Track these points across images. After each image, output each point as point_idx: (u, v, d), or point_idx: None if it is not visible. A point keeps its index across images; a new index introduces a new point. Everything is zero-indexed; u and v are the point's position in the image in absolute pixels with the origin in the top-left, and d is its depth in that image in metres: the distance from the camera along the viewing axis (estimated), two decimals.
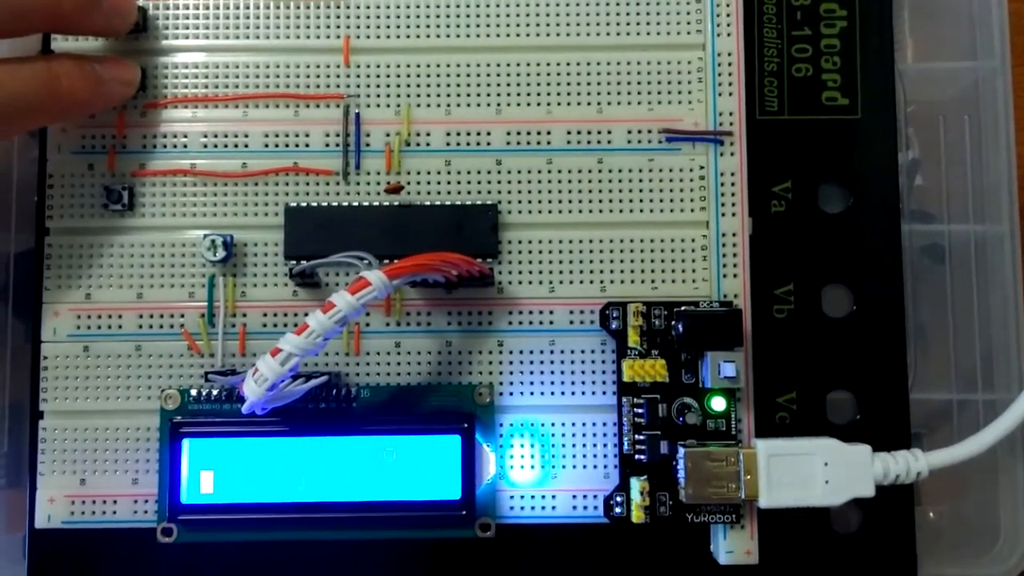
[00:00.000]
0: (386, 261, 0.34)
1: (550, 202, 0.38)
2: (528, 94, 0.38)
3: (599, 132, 0.38)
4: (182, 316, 0.37)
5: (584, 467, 0.37)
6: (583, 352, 0.37)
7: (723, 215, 0.38)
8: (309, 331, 0.32)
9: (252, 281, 0.37)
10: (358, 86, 0.38)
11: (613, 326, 0.37)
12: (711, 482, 0.35)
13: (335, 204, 0.37)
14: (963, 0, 0.40)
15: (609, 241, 0.38)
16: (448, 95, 0.38)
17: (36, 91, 0.34)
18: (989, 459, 0.38)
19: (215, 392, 0.36)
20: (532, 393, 0.37)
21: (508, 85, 0.38)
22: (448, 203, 0.37)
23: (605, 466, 0.37)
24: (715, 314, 0.36)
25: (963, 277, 0.39)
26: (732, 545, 0.36)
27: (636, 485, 0.36)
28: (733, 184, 0.38)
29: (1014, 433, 0.36)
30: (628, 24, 0.38)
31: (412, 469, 0.36)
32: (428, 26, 0.38)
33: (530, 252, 0.38)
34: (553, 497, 0.37)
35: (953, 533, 0.39)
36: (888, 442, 0.36)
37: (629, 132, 0.38)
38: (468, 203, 0.37)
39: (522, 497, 0.37)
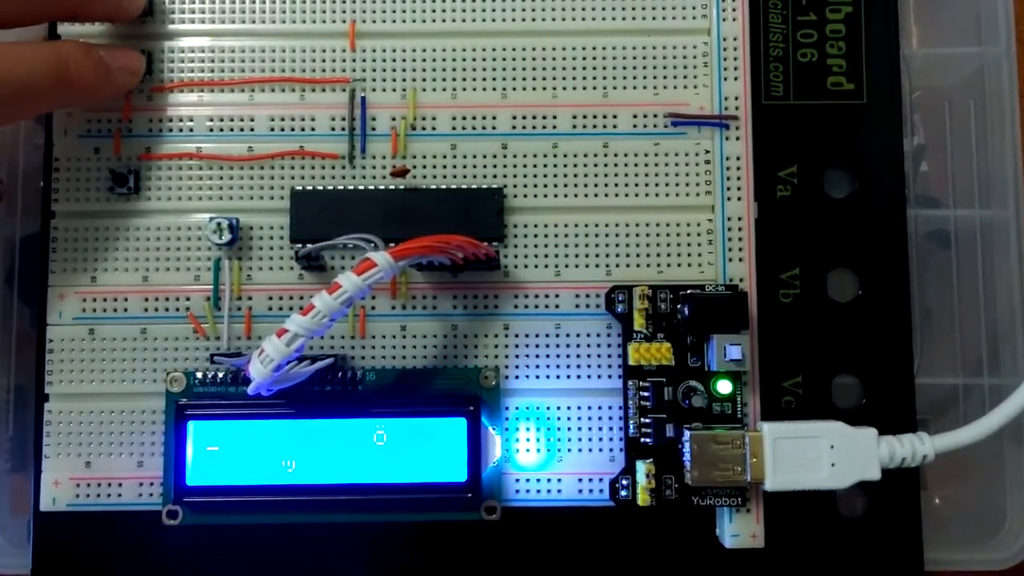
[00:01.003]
0: (392, 244, 0.34)
1: (556, 186, 0.38)
2: (534, 78, 0.38)
3: (604, 116, 0.38)
4: (188, 299, 0.37)
5: (590, 450, 0.37)
6: (589, 336, 0.37)
7: (729, 199, 0.38)
8: (315, 312, 0.32)
9: (258, 264, 0.37)
10: (364, 70, 0.38)
11: (619, 310, 0.37)
12: (717, 465, 0.35)
13: (341, 188, 0.37)
14: None
15: (615, 225, 0.38)
16: (454, 79, 0.38)
17: (43, 76, 0.34)
18: (995, 445, 0.38)
19: (220, 375, 0.37)
20: (538, 376, 0.37)
21: (514, 69, 0.38)
22: (454, 187, 0.37)
23: (611, 449, 0.37)
24: (720, 297, 0.36)
25: (968, 262, 0.39)
26: (738, 528, 0.36)
27: (642, 468, 0.36)
28: (739, 169, 0.38)
29: (1020, 418, 0.36)
30: (634, 8, 0.38)
31: (418, 452, 0.36)
32: (434, 10, 0.38)
33: (536, 236, 0.38)
34: (559, 480, 0.37)
35: (958, 519, 0.39)
36: (894, 427, 0.36)
37: (635, 116, 0.38)
38: (474, 187, 0.37)
39: (528, 480, 0.37)
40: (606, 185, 0.38)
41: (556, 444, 0.37)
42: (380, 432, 0.36)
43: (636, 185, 0.38)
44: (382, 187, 0.37)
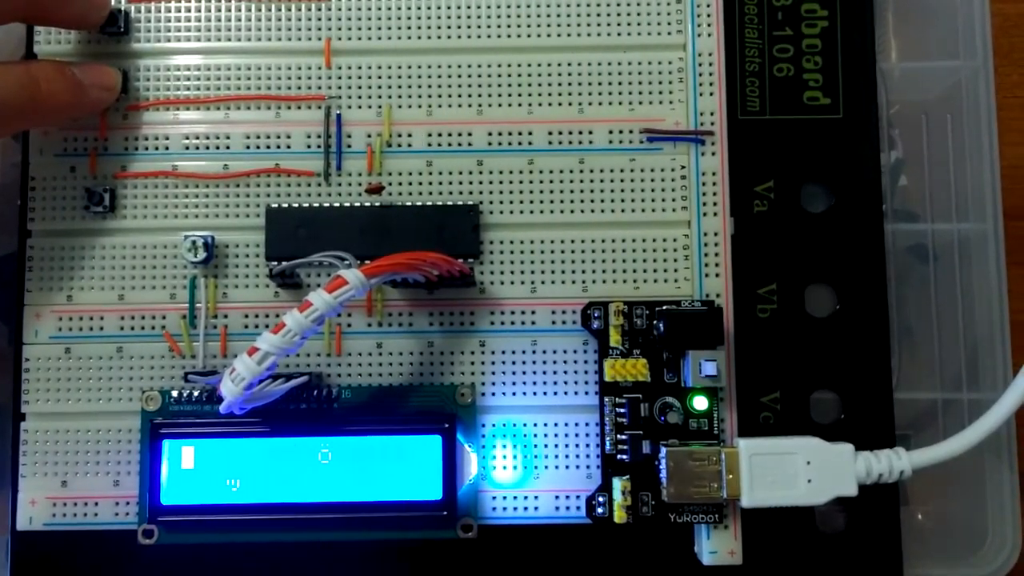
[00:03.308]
0: (367, 261, 0.34)
1: (532, 202, 0.38)
2: (509, 95, 0.38)
3: (580, 132, 0.38)
4: (164, 317, 0.37)
5: (566, 467, 0.37)
6: (565, 352, 0.37)
7: (705, 215, 0.38)
8: (286, 330, 0.32)
9: (234, 282, 0.37)
10: (339, 87, 0.38)
11: (595, 326, 0.37)
12: (693, 482, 0.35)
13: (316, 205, 0.37)
14: (947, 0, 0.40)
15: (591, 241, 0.38)
16: (429, 96, 0.38)
17: (16, 95, 0.34)
18: (976, 459, 0.38)
19: (196, 393, 0.36)
20: (514, 393, 0.37)
21: (489, 86, 0.38)
22: (430, 204, 0.37)
23: (587, 466, 0.37)
24: (696, 313, 0.36)
25: (947, 276, 0.39)
26: (716, 545, 0.36)
27: (618, 485, 0.36)
28: (715, 184, 0.38)
29: (999, 432, 0.36)
30: (609, 24, 0.38)
31: (393, 469, 0.36)
32: (409, 27, 0.38)
33: (512, 252, 0.38)
34: (535, 497, 0.37)
35: (940, 534, 0.38)
36: (872, 442, 0.36)
37: (610, 132, 0.38)
38: (449, 203, 0.37)
39: (504, 497, 0.37)
40: (582, 201, 0.38)
41: (532, 461, 0.37)
42: (356, 450, 0.36)
43: (612, 201, 0.38)
44: (358, 204, 0.37)
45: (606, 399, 0.36)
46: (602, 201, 0.38)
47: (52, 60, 0.36)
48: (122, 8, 0.38)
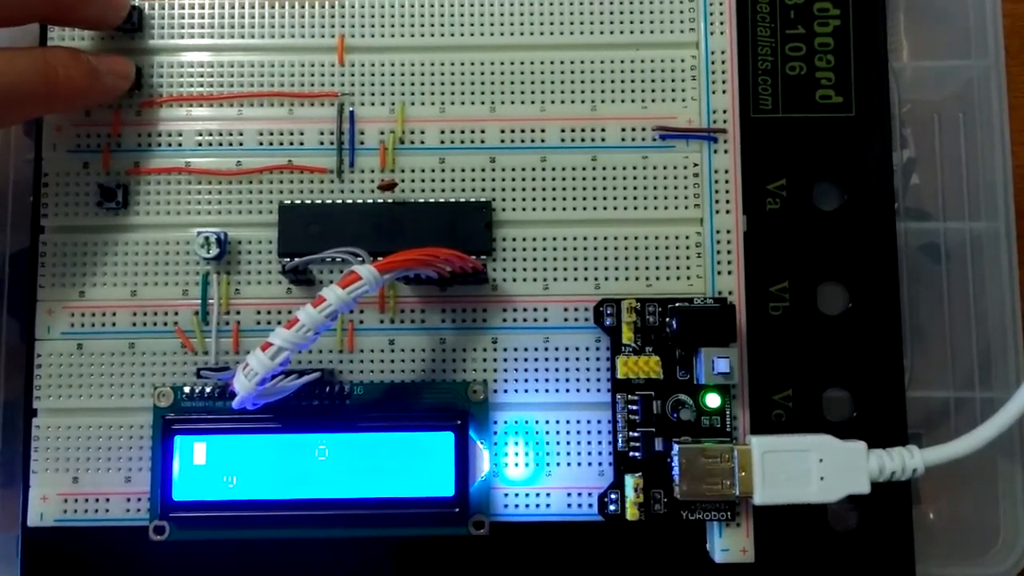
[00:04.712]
0: (380, 258, 0.34)
1: (544, 199, 0.38)
2: (522, 92, 0.38)
3: (593, 130, 0.38)
4: (176, 314, 0.37)
5: (579, 464, 0.37)
6: (577, 349, 0.37)
7: (717, 212, 0.38)
8: (299, 325, 0.32)
9: (246, 279, 0.37)
10: (352, 84, 0.38)
11: (607, 323, 0.37)
12: (705, 479, 0.35)
13: (329, 202, 0.37)
14: (958, 0, 0.40)
15: (603, 238, 0.38)
16: (442, 93, 0.38)
17: (33, 79, 0.34)
18: (988, 458, 0.38)
19: (208, 389, 0.36)
20: (526, 390, 0.37)
21: (502, 83, 0.38)
22: (442, 201, 0.37)
23: (600, 463, 0.37)
24: (708, 310, 0.36)
25: (960, 275, 0.39)
26: (728, 543, 0.36)
27: (630, 482, 0.36)
28: (727, 182, 0.38)
29: (1011, 431, 0.36)
30: (622, 22, 0.38)
31: (406, 466, 0.36)
32: (422, 24, 0.38)
33: (524, 249, 0.38)
34: (547, 495, 0.37)
35: (952, 533, 0.38)
36: (885, 440, 0.36)
37: (623, 130, 0.38)
38: (462, 200, 0.37)
39: (516, 495, 0.37)
40: (594, 198, 0.38)
41: (545, 458, 0.37)
42: (368, 446, 0.36)
43: (624, 198, 0.38)
44: (370, 201, 0.37)
45: (618, 396, 0.36)
46: (615, 198, 0.38)
47: (67, 47, 0.36)
48: (136, 4, 0.38)
